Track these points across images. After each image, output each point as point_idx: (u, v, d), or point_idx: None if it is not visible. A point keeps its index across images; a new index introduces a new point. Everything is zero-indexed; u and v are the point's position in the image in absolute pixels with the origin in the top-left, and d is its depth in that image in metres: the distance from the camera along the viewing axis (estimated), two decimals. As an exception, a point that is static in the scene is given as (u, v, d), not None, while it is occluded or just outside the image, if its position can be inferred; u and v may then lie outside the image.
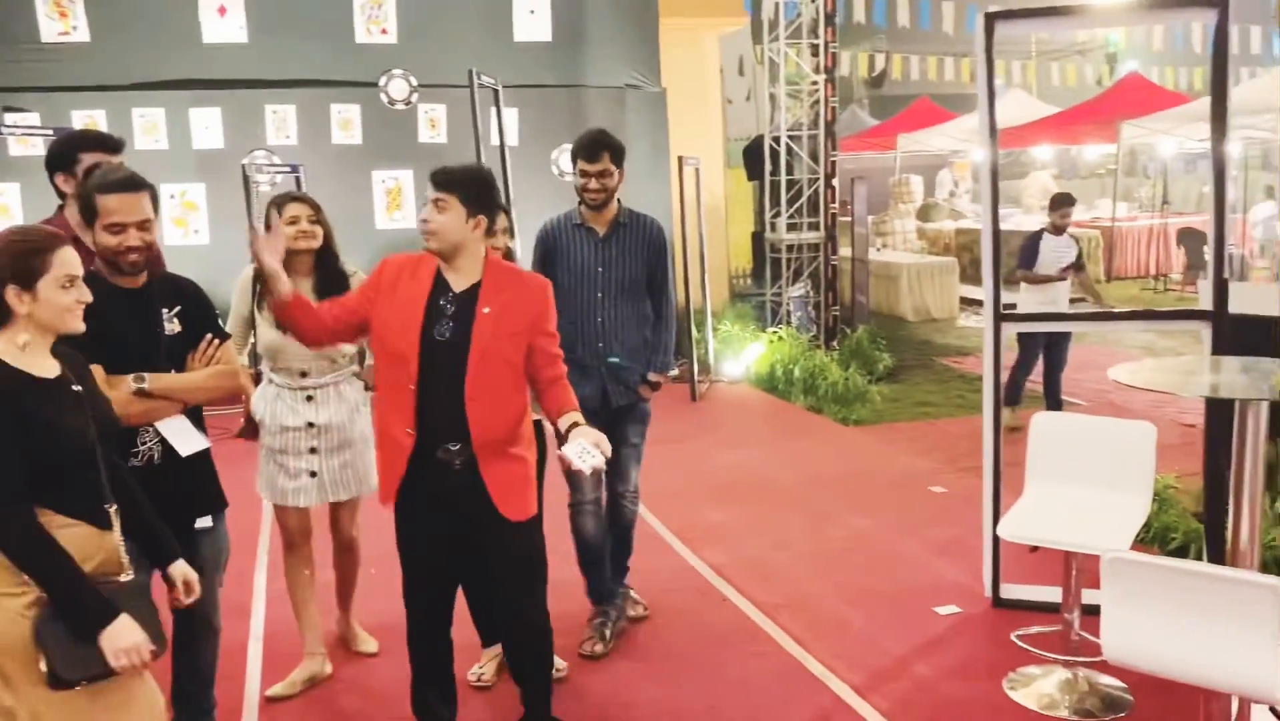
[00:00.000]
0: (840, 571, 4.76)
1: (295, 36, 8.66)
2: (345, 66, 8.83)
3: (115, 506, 2.30)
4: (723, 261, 12.39)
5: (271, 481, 3.66)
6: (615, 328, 3.92)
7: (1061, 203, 7.26)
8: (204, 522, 2.91)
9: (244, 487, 3.56)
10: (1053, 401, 7.24)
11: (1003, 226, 4.27)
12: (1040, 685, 3.56)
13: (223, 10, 8.54)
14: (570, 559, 4.07)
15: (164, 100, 8.51)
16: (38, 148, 7.58)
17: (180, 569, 2.49)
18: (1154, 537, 4.82)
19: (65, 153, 3.10)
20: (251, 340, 3.72)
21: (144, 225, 2.68)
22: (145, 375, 2.70)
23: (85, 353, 2.49)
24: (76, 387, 2.30)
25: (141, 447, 2.75)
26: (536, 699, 3.18)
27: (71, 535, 2.19)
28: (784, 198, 10.62)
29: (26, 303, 2.18)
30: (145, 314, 2.77)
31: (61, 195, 3.14)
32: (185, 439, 2.81)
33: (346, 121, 8.93)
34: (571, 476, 3.75)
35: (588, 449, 2.71)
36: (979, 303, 9.71)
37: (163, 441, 2.77)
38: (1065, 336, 7.00)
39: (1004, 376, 4.25)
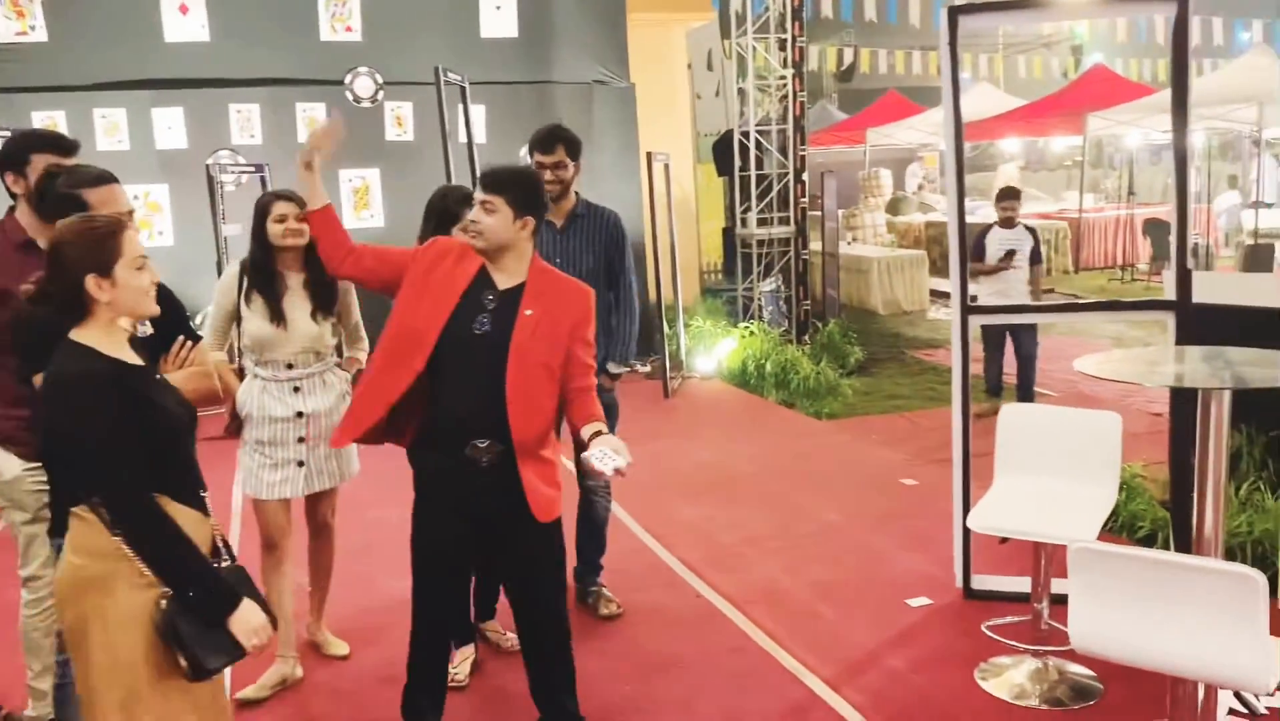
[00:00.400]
0: (812, 565, 4.76)
1: (259, 35, 8.57)
2: (310, 65, 8.75)
3: (207, 492, 2.32)
4: (694, 257, 12.41)
5: (255, 477, 3.65)
6: None
7: (1004, 195, 7.35)
8: None
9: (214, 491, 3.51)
10: (1024, 393, 7.31)
11: (970, 219, 4.32)
12: (1011, 675, 3.58)
13: (184, 9, 8.43)
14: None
15: (125, 100, 8.39)
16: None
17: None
18: (1122, 526, 4.87)
19: (16, 152, 3.05)
20: (233, 337, 3.73)
21: (131, 215, 2.71)
22: None
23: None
24: (160, 375, 2.34)
25: None
26: (563, 697, 3.13)
27: (185, 520, 2.19)
28: (754, 192, 10.63)
29: (107, 290, 2.16)
30: None
31: (13, 196, 3.09)
32: None
33: (312, 120, 8.83)
34: None
35: (608, 453, 2.70)
36: (949, 295, 9.84)
37: None
38: (1028, 327, 7.06)
39: (977, 369, 4.29)
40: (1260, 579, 2.14)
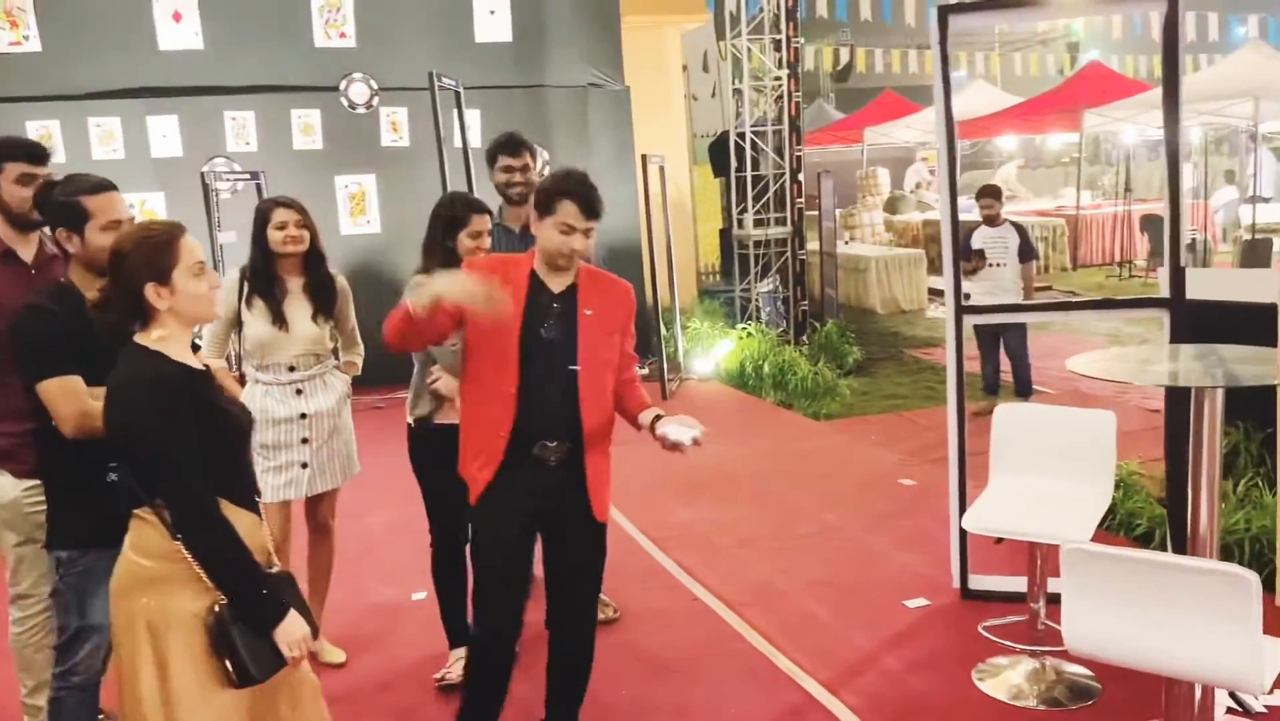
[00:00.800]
0: (810, 567, 4.76)
1: (252, 42, 8.58)
2: (305, 71, 8.76)
3: (261, 497, 2.36)
4: (690, 258, 12.41)
5: (260, 480, 3.63)
6: None
7: (984, 194, 7.36)
8: None
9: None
10: (1021, 390, 7.30)
11: (967, 217, 4.33)
12: (1008, 675, 3.57)
13: (178, 16, 8.44)
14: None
15: (120, 109, 8.40)
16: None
17: None
18: (1119, 524, 4.86)
19: None
20: (232, 343, 3.77)
21: (129, 223, 2.69)
22: None
23: (62, 362, 2.54)
24: (216, 381, 2.36)
25: (119, 463, 2.71)
26: (577, 704, 3.15)
27: (242, 524, 2.21)
28: (750, 193, 10.62)
29: (166, 297, 2.19)
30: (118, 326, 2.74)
31: None
32: None
33: (307, 126, 8.85)
34: None
35: (684, 423, 2.81)
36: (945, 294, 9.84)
37: None
38: (1014, 325, 7.06)
39: (974, 367, 4.29)
40: (1252, 578, 2.14)
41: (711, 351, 9.58)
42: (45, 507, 2.84)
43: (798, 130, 10.66)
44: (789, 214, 10.65)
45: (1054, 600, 3.35)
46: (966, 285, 7.17)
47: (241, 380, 3.73)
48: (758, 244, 10.69)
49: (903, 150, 19.58)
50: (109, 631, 2.73)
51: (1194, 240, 13.19)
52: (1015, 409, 3.78)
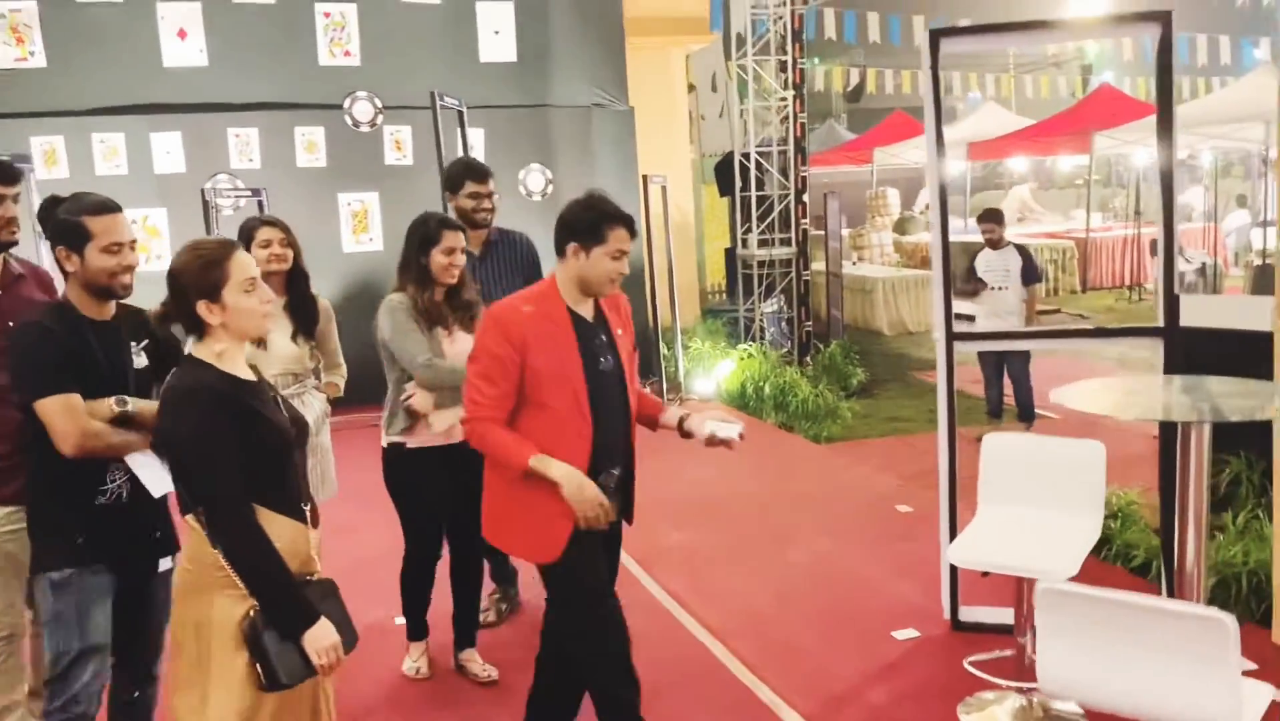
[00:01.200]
0: (799, 594, 4.68)
1: (257, 59, 8.60)
2: (309, 89, 8.76)
3: (311, 505, 2.41)
4: (693, 279, 12.36)
5: None
6: None
7: (986, 218, 7.33)
8: (166, 564, 2.85)
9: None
10: (1024, 415, 7.23)
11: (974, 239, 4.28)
12: (994, 711, 3.49)
13: (183, 34, 8.46)
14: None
15: (124, 125, 8.41)
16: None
17: None
18: (1116, 555, 4.77)
19: None
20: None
21: (133, 245, 2.70)
22: (127, 398, 2.67)
23: (62, 380, 2.54)
24: (273, 391, 2.43)
25: (111, 485, 2.71)
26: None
27: (283, 531, 2.27)
28: (754, 214, 10.60)
29: (217, 314, 2.28)
30: (115, 346, 2.73)
31: None
32: (157, 479, 2.73)
33: (311, 144, 8.86)
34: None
35: (727, 420, 2.88)
36: (962, 316, 9.74)
37: (131, 480, 2.71)
38: (1019, 351, 7.00)
39: (966, 392, 4.22)
40: (1230, 622, 2.06)
41: (712, 372, 9.52)
42: (17, 535, 2.80)
43: (803, 151, 10.64)
44: (794, 234, 10.62)
45: (1040, 635, 3.28)
46: (970, 307, 7.14)
47: None
48: (762, 264, 10.66)
49: (913, 171, 19.52)
50: (109, 654, 2.75)
51: (1204, 265, 13.08)
52: (1004, 438, 3.71)
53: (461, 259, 3.63)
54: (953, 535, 4.07)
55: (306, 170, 8.84)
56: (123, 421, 2.64)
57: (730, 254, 12.64)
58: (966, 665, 3.78)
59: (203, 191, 7.84)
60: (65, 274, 2.72)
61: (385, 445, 3.76)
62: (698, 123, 16.83)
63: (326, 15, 8.75)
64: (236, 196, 8.45)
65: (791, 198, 10.57)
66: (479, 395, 2.78)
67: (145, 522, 2.77)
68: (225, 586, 2.22)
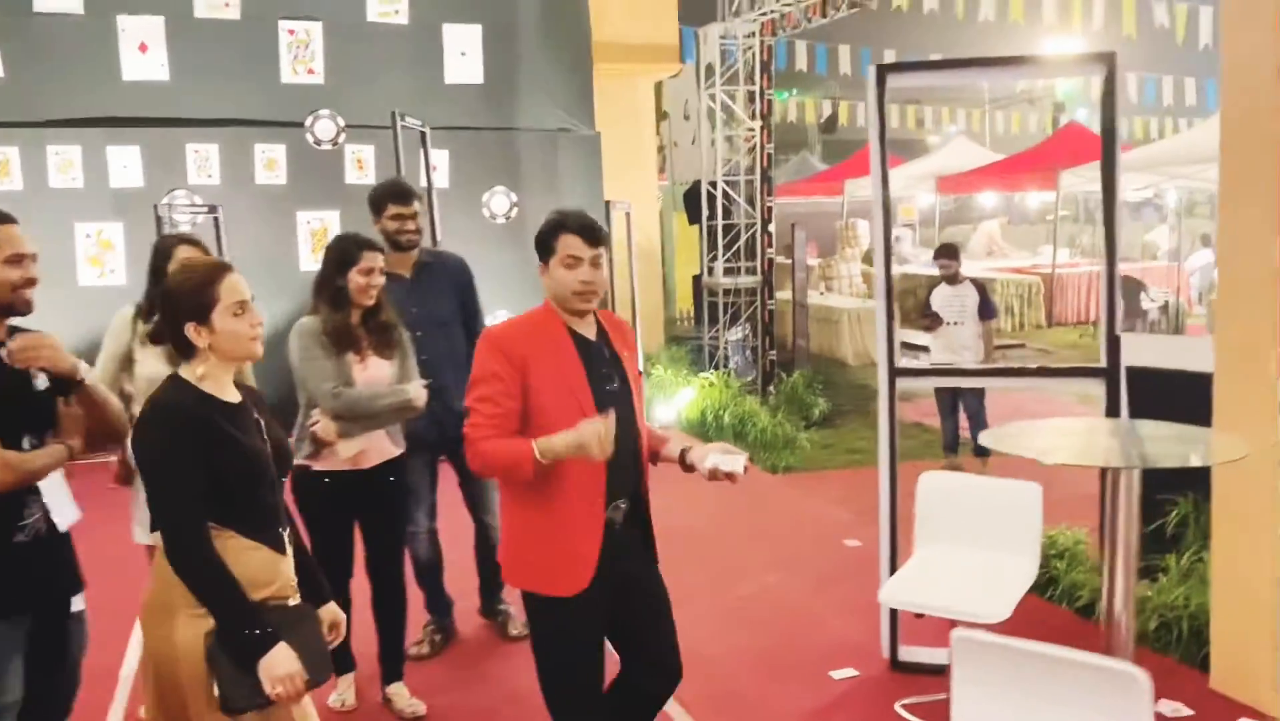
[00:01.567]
0: (741, 632, 4.60)
1: (219, 75, 8.51)
2: (271, 106, 8.68)
3: (289, 532, 2.37)
4: (657, 305, 12.34)
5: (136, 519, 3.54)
6: (438, 362, 4.03)
7: (941, 253, 7.36)
8: (79, 604, 2.69)
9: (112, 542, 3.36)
10: (979, 450, 7.20)
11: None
12: (925, 756, 3.43)
13: (144, 47, 8.38)
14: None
15: (80, 138, 8.30)
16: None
17: (330, 611, 2.53)
18: (1062, 595, 4.73)
19: None
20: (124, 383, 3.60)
21: (32, 259, 2.55)
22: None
23: None
24: (256, 415, 2.37)
25: (29, 520, 2.49)
26: None
27: (252, 558, 2.24)
28: (721, 242, 10.59)
29: (205, 336, 2.26)
30: (13, 369, 2.56)
31: None
32: (63, 508, 2.59)
33: (271, 161, 8.77)
34: (410, 508, 4.09)
35: (730, 453, 2.68)
36: (917, 347, 9.75)
37: (46, 513, 2.53)
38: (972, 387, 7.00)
39: (925, 425, 4.20)
40: (1142, 676, 2.01)
41: (673, 399, 9.46)
42: None
43: (769, 181, 10.66)
44: (759, 263, 10.63)
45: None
46: (927, 339, 7.14)
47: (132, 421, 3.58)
48: (727, 292, 10.65)
49: (884, 203, 19.61)
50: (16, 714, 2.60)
51: (1168, 303, 13.19)
52: (941, 477, 3.66)
53: (380, 280, 3.56)
54: (893, 573, 4.01)
55: (266, 188, 8.75)
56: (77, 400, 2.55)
57: (698, 281, 12.64)
58: (898, 708, 3.71)
59: (155, 208, 7.72)
60: None
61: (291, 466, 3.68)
62: (670, 150, 16.88)
63: (291, 33, 8.69)
64: (194, 212, 8.35)
65: (758, 227, 10.58)
66: (478, 417, 2.57)
67: (61, 559, 2.60)
68: (189, 605, 2.18)
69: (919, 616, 3.52)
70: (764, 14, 10.02)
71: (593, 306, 2.68)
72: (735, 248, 10.63)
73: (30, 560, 2.46)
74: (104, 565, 3.12)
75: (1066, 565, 4.81)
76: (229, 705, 2.17)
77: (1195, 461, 2.90)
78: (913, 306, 7.22)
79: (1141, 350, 5.20)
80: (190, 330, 2.26)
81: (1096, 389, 3.84)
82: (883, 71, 3.87)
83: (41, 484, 2.53)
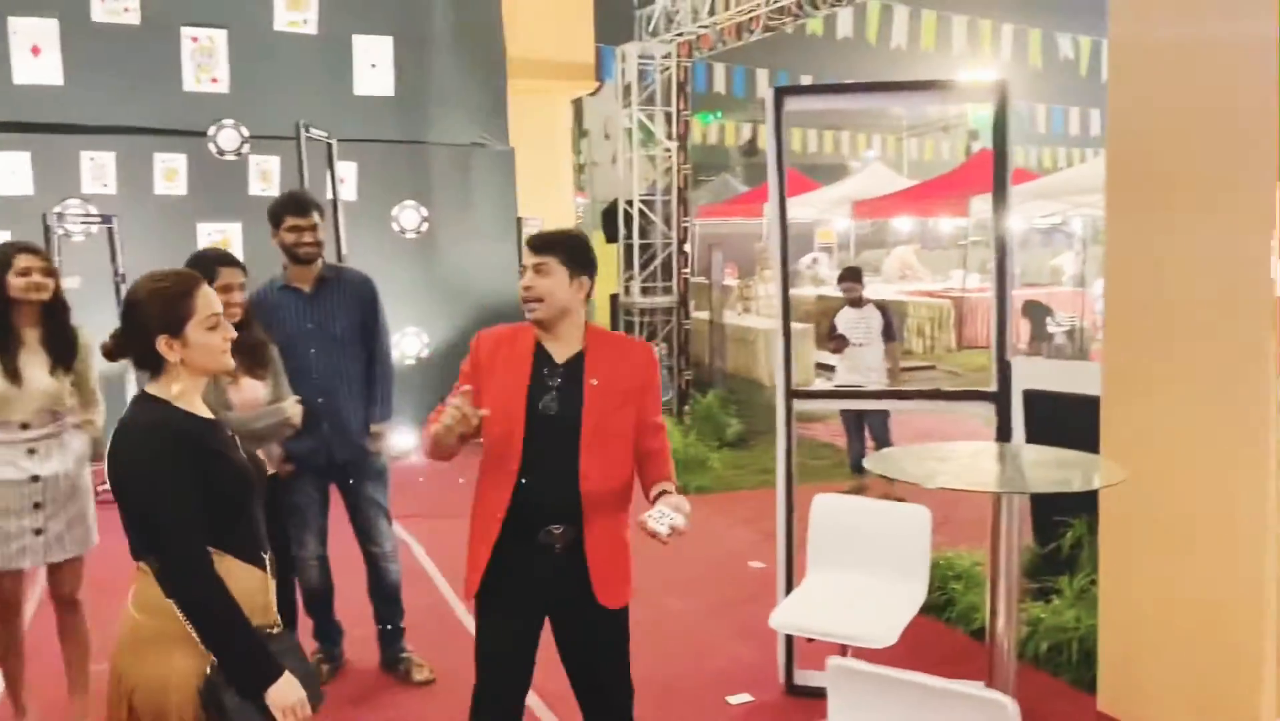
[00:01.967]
0: (639, 656, 4.44)
1: (117, 81, 8.25)
2: (172, 114, 8.44)
3: (270, 554, 2.27)
4: (574, 323, 12.25)
5: None
6: (332, 382, 3.95)
7: (845, 276, 7.46)
8: None
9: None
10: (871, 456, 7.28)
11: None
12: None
13: (36, 50, 8.07)
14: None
15: (-34, 143, 7.96)
16: None
17: None
18: (959, 617, 4.75)
19: None
20: None
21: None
22: None
23: None
24: (229, 431, 2.29)
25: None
26: None
27: (243, 579, 2.13)
28: (637, 261, 10.57)
29: (177, 349, 2.14)
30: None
31: None
32: None
33: (171, 171, 8.51)
34: (296, 531, 3.93)
35: (666, 512, 2.51)
36: (829, 368, 9.83)
37: None
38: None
39: (836, 445, 4.18)
40: (1010, 705, 1.99)
41: (585, 420, 9.36)
42: None
43: (685, 201, 10.68)
44: (675, 283, 10.63)
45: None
46: (834, 360, 7.19)
47: None
48: (644, 311, 10.62)
49: (801, 225, 19.88)
50: None
51: (1073, 327, 13.53)
52: (833, 500, 3.64)
53: (239, 297, 3.47)
54: (789, 593, 3.98)
55: (165, 198, 8.49)
56: None
57: (616, 300, 12.59)
58: (789, 735, 3.67)
59: (44, 217, 7.42)
60: None
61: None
62: (591, 169, 16.87)
63: (194, 40, 8.47)
64: (87, 222, 8.05)
65: (674, 247, 10.58)
66: (440, 406, 2.63)
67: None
68: (183, 640, 2.05)
69: (811, 641, 3.49)
70: (680, 35, 10.05)
71: (538, 315, 2.65)
72: (652, 267, 10.61)
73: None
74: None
75: (964, 587, 4.83)
76: None
77: (1075, 487, 2.91)
78: (827, 328, 7.27)
79: (1041, 374, 5.30)
80: (163, 343, 2.13)
81: (992, 412, 3.86)
82: (780, 94, 3.87)
83: None
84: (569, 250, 2.66)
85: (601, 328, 2.88)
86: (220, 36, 8.50)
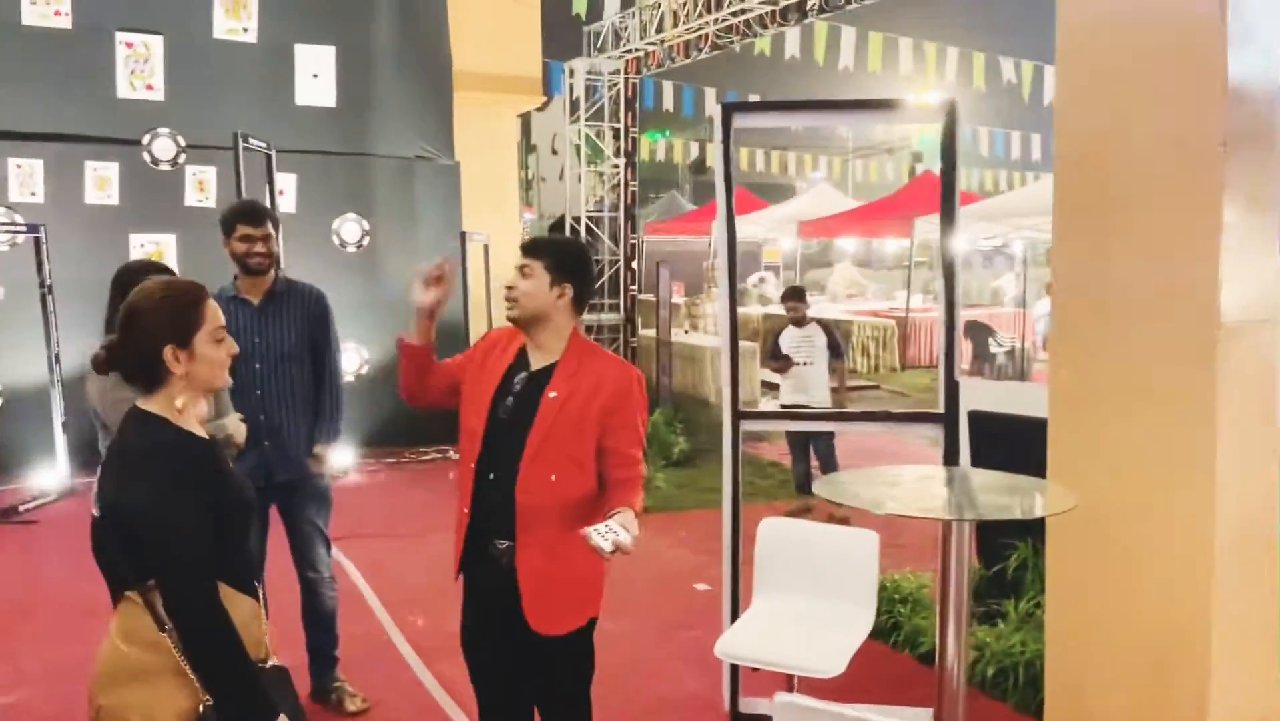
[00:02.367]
0: (581, 683, 4.39)
1: (47, 86, 7.99)
2: (105, 121, 8.19)
3: (262, 584, 2.16)
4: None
5: None
6: (276, 399, 3.83)
7: (789, 296, 7.47)
8: None
9: None
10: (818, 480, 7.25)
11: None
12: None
13: (-39, 52, 7.78)
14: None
15: (-119, 146, 7.64)
16: None
17: None
18: (904, 641, 4.70)
19: None
20: None
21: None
22: None
23: None
24: (223, 452, 2.21)
25: None
26: None
27: (240, 609, 2.02)
28: (583, 278, 10.48)
29: (183, 362, 2.03)
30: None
31: None
32: None
33: (103, 180, 8.25)
34: None
35: (613, 527, 2.38)
36: (775, 386, 9.80)
37: None
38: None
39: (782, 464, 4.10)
40: (964, 743, 1.92)
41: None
42: None
43: (633, 218, 10.65)
44: (622, 300, 10.58)
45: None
46: (778, 380, 7.16)
47: None
48: (590, 328, 10.54)
49: (749, 243, 19.96)
50: None
51: (1014, 347, 13.69)
52: (780, 524, 3.57)
53: None
54: (735, 619, 3.89)
55: (96, 207, 8.22)
56: None
57: (560, 317, 12.51)
58: (734, 766, 3.58)
59: (-36, 224, 7.13)
60: None
61: (96, 514, 3.32)
62: (538, 184, 16.78)
63: (129, 46, 8.23)
64: (12, 231, 7.76)
65: (621, 263, 10.52)
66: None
67: None
68: (172, 674, 1.94)
69: (755, 670, 3.40)
70: (629, 51, 10.03)
71: (512, 314, 2.68)
72: (599, 284, 10.54)
73: None
74: None
75: (910, 610, 4.78)
76: None
77: (1021, 514, 2.87)
78: (770, 347, 7.26)
79: (984, 395, 5.28)
80: (169, 354, 2.01)
81: (939, 433, 3.82)
82: (729, 111, 3.81)
83: None
84: (554, 255, 2.68)
85: (594, 345, 2.83)
86: (156, 43, 8.27)
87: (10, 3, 7.85)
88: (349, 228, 8.68)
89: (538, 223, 14.58)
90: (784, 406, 7.32)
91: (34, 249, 7.52)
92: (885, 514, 2.41)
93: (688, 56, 9.58)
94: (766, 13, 8.53)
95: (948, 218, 3.77)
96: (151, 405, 2.04)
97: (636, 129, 10.64)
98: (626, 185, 10.49)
